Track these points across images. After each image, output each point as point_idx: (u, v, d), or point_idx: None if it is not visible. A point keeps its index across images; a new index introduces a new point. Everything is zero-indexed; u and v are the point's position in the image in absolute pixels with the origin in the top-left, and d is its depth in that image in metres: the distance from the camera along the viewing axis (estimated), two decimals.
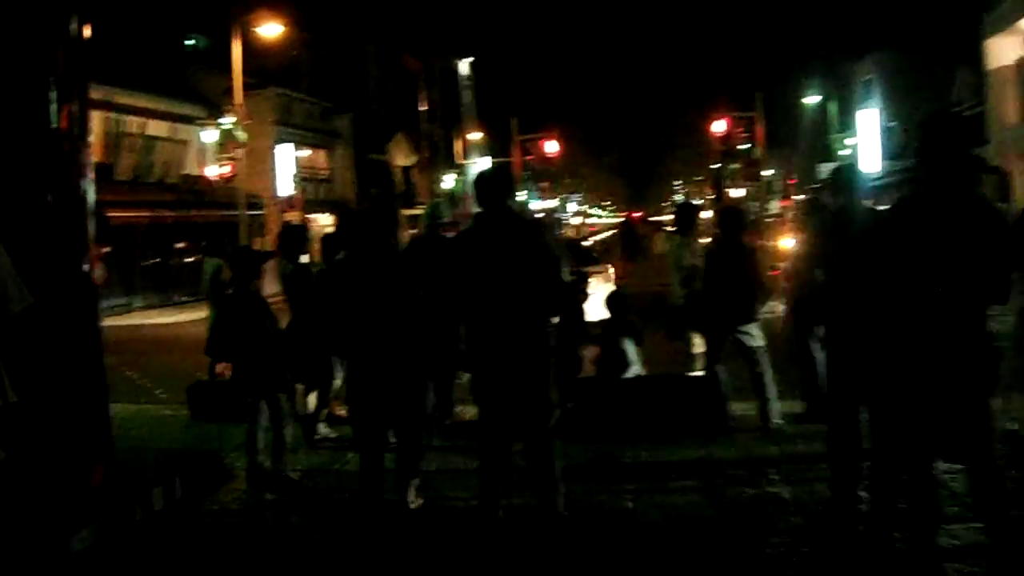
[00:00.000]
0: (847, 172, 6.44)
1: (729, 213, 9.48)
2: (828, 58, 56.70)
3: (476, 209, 6.10)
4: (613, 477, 7.35)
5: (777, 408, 8.69)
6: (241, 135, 30.78)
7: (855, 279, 5.55)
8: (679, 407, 8.46)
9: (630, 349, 8.86)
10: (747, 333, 8.60)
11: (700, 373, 9.03)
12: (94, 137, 31.17)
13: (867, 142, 50.67)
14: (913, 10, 49.85)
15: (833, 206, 6.19)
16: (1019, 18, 34.05)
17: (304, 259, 9.40)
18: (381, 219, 6.39)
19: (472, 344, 5.87)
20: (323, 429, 8.87)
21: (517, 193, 7.89)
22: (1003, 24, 35.50)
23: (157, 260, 32.43)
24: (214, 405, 9.19)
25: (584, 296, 8.99)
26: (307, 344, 8.28)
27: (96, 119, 31.47)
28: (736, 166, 52.01)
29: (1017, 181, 35.52)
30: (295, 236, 9.23)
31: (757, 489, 6.97)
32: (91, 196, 6.28)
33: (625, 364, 8.78)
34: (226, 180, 33.81)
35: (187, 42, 47.30)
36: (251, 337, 7.14)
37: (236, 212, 31.16)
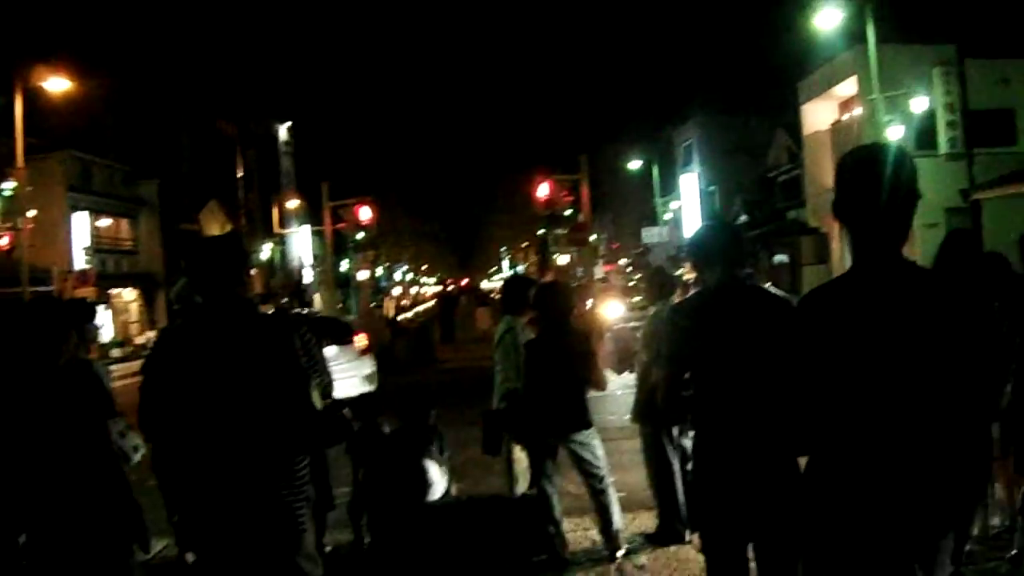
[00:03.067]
0: (728, 236, 4.46)
1: (550, 290, 7.43)
2: (650, 122, 57.24)
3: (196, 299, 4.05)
4: None
5: (621, 529, 6.94)
6: (21, 201, 27.85)
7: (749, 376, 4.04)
8: (500, 536, 6.59)
9: (432, 464, 6.86)
10: (582, 443, 6.81)
11: (524, 492, 7.15)
12: None
13: (689, 205, 50.97)
14: (733, 75, 50.76)
15: (708, 280, 4.34)
16: (833, 84, 34.71)
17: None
18: (29, 323, 4.25)
19: (187, 509, 3.89)
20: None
21: (246, 269, 6.39)
22: (818, 90, 36.35)
23: None
24: None
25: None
26: None
27: None
28: (562, 231, 51.22)
29: (834, 242, 35.99)
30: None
31: None
32: None
33: (425, 484, 6.78)
34: (6, 252, 30.59)
35: None
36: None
37: (20, 288, 28.11)
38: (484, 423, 7.24)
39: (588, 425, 6.77)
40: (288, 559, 3.84)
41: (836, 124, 36.18)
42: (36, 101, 29.68)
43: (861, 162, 3.17)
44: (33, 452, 4.10)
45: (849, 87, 33.32)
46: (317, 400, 3.82)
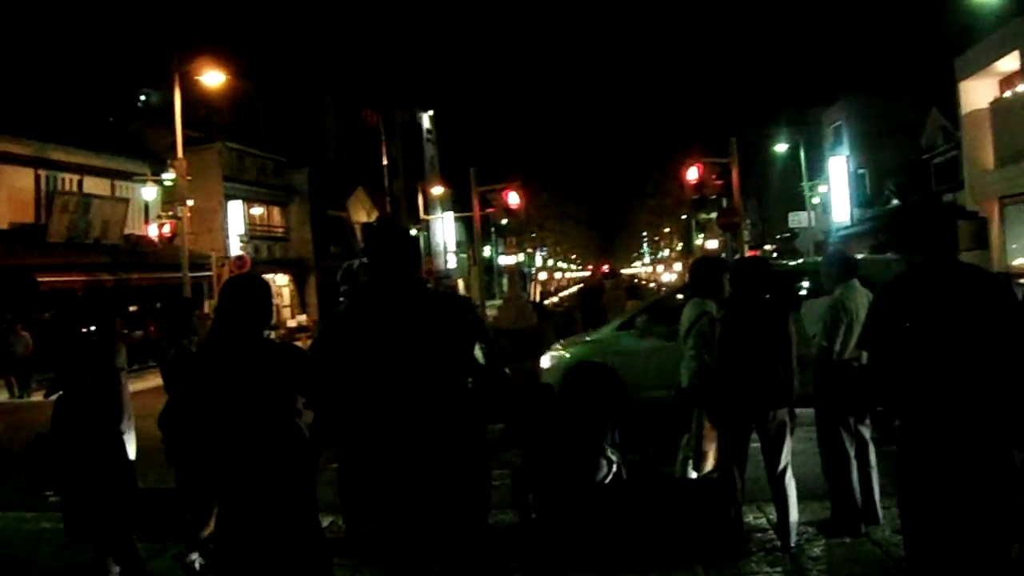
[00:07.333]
0: (941, 215, 4.32)
1: (750, 264, 7.34)
2: (798, 104, 55.83)
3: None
4: None
5: (798, 520, 6.77)
6: (181, 191, 28.81)
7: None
8: (676, 521, 6.48)
9: (607, 449, 6.75)
10: (781, 423, 6.62)
11: (706, 474, 7.00)
12: (23, 196, 29.33)
13: (838, 189, 49.64)
14: (883, 55, 49.13)
15: (917, 260, 4.19)
16: (993, 60, 33.23)
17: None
18: (242, 296, 4.39)
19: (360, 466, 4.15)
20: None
21: (419, 257, 6.37)
22: (976, 66, 34.77)
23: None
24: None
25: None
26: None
27: (25, 176, 29.52)
28: (706, 215, 50.46)
29: (994, 227, 34.59)
30: (177, 311, 7.16)
31: None
32: None
33: (597, 467, 6.67)
34: (168, 239, 31.77)
35: (140, 97, 45.75)
36: (84, 458, 5.17)
37: (181, 273, 29.16)
38: (676, 400, 7.16)
39: (789, 402, 6.61)
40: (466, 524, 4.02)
41: (996, 102, 34.64)
42: (192, 95, 30.68)
43: None
44: (236, 423, 4.24)
45: (1011, 62, 31.84)
46: (479, 356, 4.08)
